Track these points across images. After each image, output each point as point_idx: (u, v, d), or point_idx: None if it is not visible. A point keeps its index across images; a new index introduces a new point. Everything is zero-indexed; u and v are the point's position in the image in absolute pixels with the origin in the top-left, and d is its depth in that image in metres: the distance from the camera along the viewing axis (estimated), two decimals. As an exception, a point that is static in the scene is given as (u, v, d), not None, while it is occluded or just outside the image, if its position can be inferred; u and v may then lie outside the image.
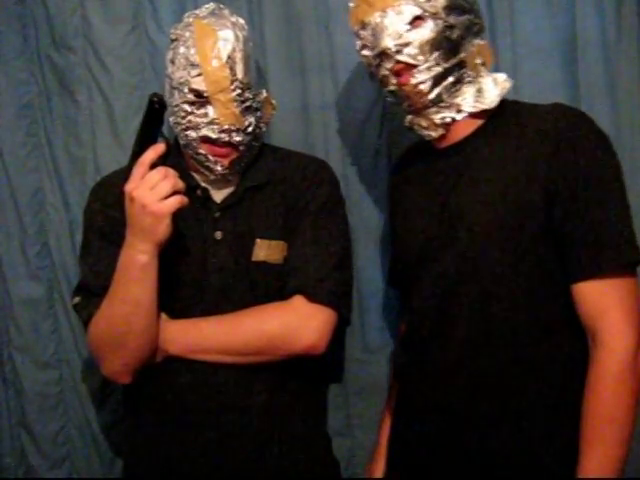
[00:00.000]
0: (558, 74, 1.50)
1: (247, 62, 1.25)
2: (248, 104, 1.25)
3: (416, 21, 1.16)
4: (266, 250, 1.31)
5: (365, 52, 1.22)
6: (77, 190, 1.67)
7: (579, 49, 1.48)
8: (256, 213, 1.32)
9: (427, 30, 1.15)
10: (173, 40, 1.28)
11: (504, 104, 1.22)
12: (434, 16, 1.15)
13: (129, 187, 1.15)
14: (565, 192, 1.12)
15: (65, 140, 1.67)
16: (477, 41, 1.21)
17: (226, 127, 1.23)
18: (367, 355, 1.61)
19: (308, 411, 1.37)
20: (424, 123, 1.22)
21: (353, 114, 1.58)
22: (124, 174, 1.17)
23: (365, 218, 1.58)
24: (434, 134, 1.23)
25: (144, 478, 1.34)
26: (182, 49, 1.24)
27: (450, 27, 1.16)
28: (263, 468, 1.29)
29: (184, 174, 1.26)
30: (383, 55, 1.18)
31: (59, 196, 1.69)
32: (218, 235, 1.30)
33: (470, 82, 1.20)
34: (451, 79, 1.18)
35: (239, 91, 1.23)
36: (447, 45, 1.16)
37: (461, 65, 1.18)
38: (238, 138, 1.25)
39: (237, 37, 1.24)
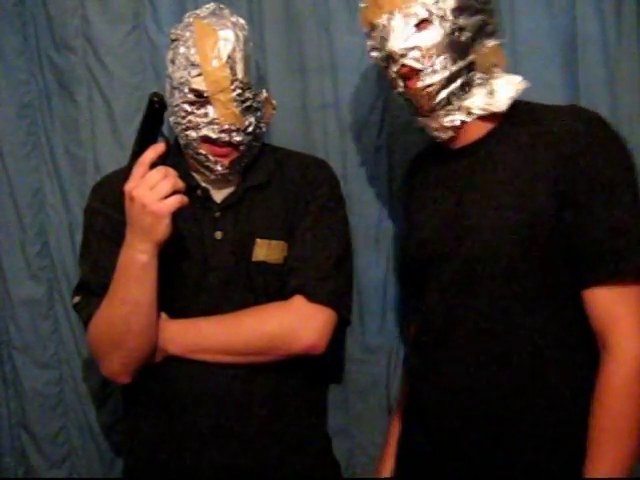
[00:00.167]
0: (558, 74, 1.50)
1: (247, 62, 1.25)
2: (248, 104, 1.25)
3: (423, 24, 1.14)
4: (266, 250, 1.31)
5: (374, 54, 1.21)
6: (77, 190, 1.67)
7: (579, 49, 1.48)
8: (256, 213, 1.32)
9: (434, 33, 1.14)
10: (173, 40, 1.28)
11: (520, 105, 1.20)
12: (442, 19, 1.14)
13: (129, 186, 1.15)
14: (577, 197, 1.10)
15: (65, 140, 1.67)
16: (490, 42, 1.18)
17: (226, 127, 1.23)
18: (367, 355, 1.61)
19: (308, 411, 1.37)
20: (434, 125, 1.21)
21: (353, 114, 1.58)
22: (124, 174, 1.18)
23: (365, 218, 1.58)
24: (444, 136, 1.22)
25: (144, 478, 1.33)
26: (182, 49, 1.24)
27: (459, 29, 1.14)
28: (263, 468, 1.29)
29: (184, 174, 1.26)
30: (390, 58, 1.17)
31: (59, 196, 1.69)
32: (218, 235, 1.30)
33: (481, 84, 1.18)
34: (460, 82, 1.16)
35: (239, 91, 1.23)
36: (455, 48, 1.15)
37: (471, 67, 1.16)
38: (238, 138, 1.25)
39: (237, 37, 1.24)
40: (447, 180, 1.25)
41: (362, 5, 1.23)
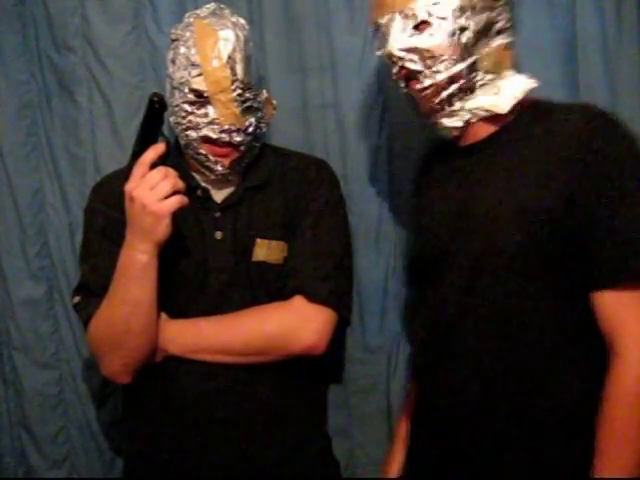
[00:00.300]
0: (558, 74, 1.50)
1: (248, 62, 1.25)
2: (249, 104, 1.25)
3: (422, 25, 1.13)
4: (266, 250, 1.31)
5: (379, 53, 1.21)
6: (77, 190, 1.67)
7: (579, 49, 1.48)
8: (256, 213, 1.32)
9: (433, 35, 1.13)
10: (174, 40, 1.28)
11: (532, 103, 1.18)
12: (442, 20, 1.12)
13: (129, 187, 1.15)
14: (586, 199, 1.07)
15: (65, 140, 1.67)
16: (496, 41, 1.15)
17: (226, 127, 1.23)
18: (367, 355, 1.61)
19: (308, 411, 1.38)
20: (437, 125, 1.20)
21: (353, 114, 1.58)
22: (124, 174, 1.18)
23: (365, 218, 1.58)
24: (449, 135, 1.21)
25: (144, 478, 1.34)
26: (183, 49, 1.24)
27: (461, 30, 1.12)
28: (263, 468, 1.29)
29: (184, 174, 1.26)
30: (390, 59, 1.17)
31: (59, 196, 1.69)
32: (218, 235, 1.30)
33: (484, 85, 1.15)
34: (461, 83, 1.14)
35: (239, 91, 1.23)
36: (456, 49, 1.12)
37: (474, 68, 1.14)
38: (238, 138, 1.25)
39: (238, 37, 1.24)
40: (455, 177, 1.23)
41: (370, 3, 1.22)
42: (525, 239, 1.10)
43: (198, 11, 1.30)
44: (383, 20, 1.17)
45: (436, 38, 1.13)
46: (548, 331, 1.12)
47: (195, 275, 1.29)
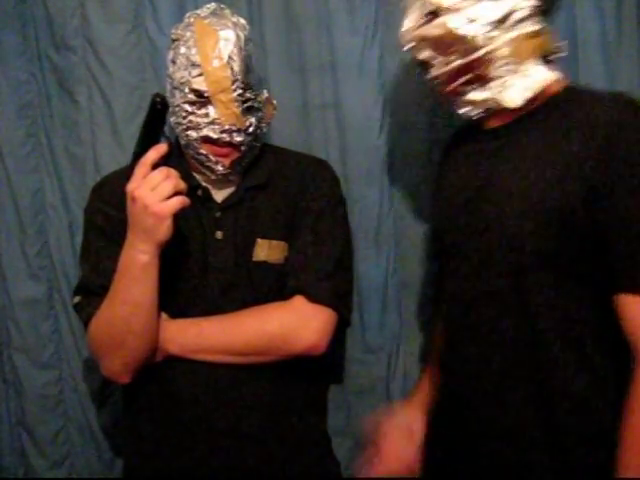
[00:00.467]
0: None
1: (248, 62, 1.25)
2: (249, 104, 1.25)
3: (434, 13, 1.10)
4: (267, 250, 1.31)
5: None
6: (77, 190, 1.66)
7: (579, 49, 1.48)
8: (257, 213, 1.32)
9: (440, 26, 1.09)
10: (174, 40, 1.28)
11: (566, 88, 1.13)
12: (453, 10, 1.08)
13: (131, 187, 1.14)
14: (610, 193, 1.01)
15: (65, 140, 1.67)
16: (517, 30, 1.09)
17: (227, 127, 1.23)
18: (367, 355, 1.61)
19: (308, 411, 1.37)
20: (456, 110, 1.17)
21: (353, 114, 1.58)
22: (126, 174, 1.17)
23: (365, 218, 1.58)
24: (470, 119, 1.17)
25: (144, 478, 1.33)
26: (183, 49, 1.24)
27: (474, 20, 1.07)
28: (263, 468, 1.29)
29: (185, 174, 1.26)
30: (404, 46, 1.15)
31: (59, 196, 1.69)
32: (219, 235, 1.30)
33: (499, 77, 1.10)
34: (473, 74, 1.10)
35: (240, 91, 1.23)
36: (467, 40, 1.08)
37: (486, 59, 1.09)
38: (239, 138, 1.25)
39: (238, 37, 1.24)
40: (476, 161, 1.19)
41: None
42: (541, 235, 1.06)
43: (198, 11, 1.30)
44: (405, 5, 1.15)
45: (442, 30, 1.09)
46: (561, 331, 1.08)
47: (195, 275, 1.29)
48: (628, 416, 1.02)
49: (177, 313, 1.28)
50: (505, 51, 1.09)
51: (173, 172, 1.16)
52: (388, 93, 1.57)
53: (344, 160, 1.58)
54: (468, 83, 1.12)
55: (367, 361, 1.61)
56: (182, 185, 1.16)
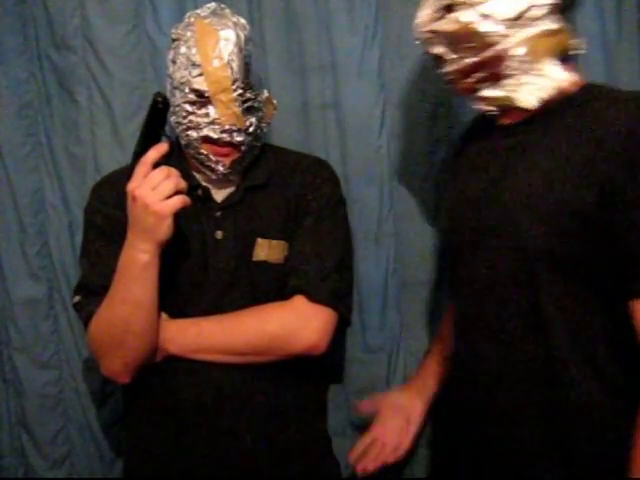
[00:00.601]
0: (558, 74, 1.50)
1: (248, 62, 1.25)
2: (249, 104, 1.25)
3: (449, 8, 1.06)
4: (267, 250, 1.31)
5: None
6: (77, 190, 1.66)
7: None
8: (257, 213, 1.32)
9: (453, 22, 1.05)
10: (174, 40, 1.28)
11: (586, 86, 1.09)
12: (468, 5, 1.04)
13: (131, 186, 1.14)
14: (625, 196, 0.97)
15: (65, 140, 1.67)
16: (533, 28, 1.05)
17: (227, 127, 1.23)
18: (367, 355, 1.61)
19: (308, 411, 1.38)
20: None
21: (353, 114, 1.58)
22: (126, 173, 1.18)
23: (365, 218, 1.58)
24: (485, 111, 1.14)
25: (144, 478, 1.34)
26: (183, 49, 1.24)
27: (487, 16, 1.03)
28: (263, 468, 1.29)
29: (185, 174, 1.25)
30: (418, 38, 1.12)
31: (59, 196, 1.68)
32: (219, 235, 1.30)
33: (513, 75, 1.07)
34: (486, 72, 1.07)
35: (240, 91, 1.23)
36: (480, 37, 1.04)
37: (500, 57, 1.05)
38: (239, 138, 1.25)
39: (238, 37, 1.24)
40: (489, 158, 1.16)
41: None
42: (552, 234, 1.03)
43: (199, 11, 1.30)
44: None
45: (456, 25, 1.05)
46: (571, 332, 1.04)
47: (195, 275, 1.29)
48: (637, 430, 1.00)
49: (177, 313, 1.28)
50: (520, 49, 1.05)
51: (174, 171, 1.16)
52: (388, 93, 1.56)
53: (344, 160, 1.58)
54: (482, 81, 1.09)
55: (367, 361, 1.61)
56: (183, 184, 1.16)
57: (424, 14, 1.10)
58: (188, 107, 1.24)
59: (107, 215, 1.31)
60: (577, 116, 1.05)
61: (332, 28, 1.56)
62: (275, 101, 1.35)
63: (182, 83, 1.24)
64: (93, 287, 1.27)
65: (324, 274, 1.27)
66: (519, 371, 1.09)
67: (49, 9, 1.63)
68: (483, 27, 1.04)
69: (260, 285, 1.30)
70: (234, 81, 1.22)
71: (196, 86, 1.22)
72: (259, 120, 1.28)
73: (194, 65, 1.22)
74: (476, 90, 1.11)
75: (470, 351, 1.17)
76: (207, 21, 1.25)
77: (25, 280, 1.70)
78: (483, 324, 1.13)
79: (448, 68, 1.10)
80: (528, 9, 1.04)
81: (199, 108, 1.24)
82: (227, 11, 1.29)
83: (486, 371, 1.13)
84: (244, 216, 1.31)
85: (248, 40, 1.27)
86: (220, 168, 1.27)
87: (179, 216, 1.17)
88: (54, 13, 1.63)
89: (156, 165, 1.14)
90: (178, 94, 1.25)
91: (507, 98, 1.09)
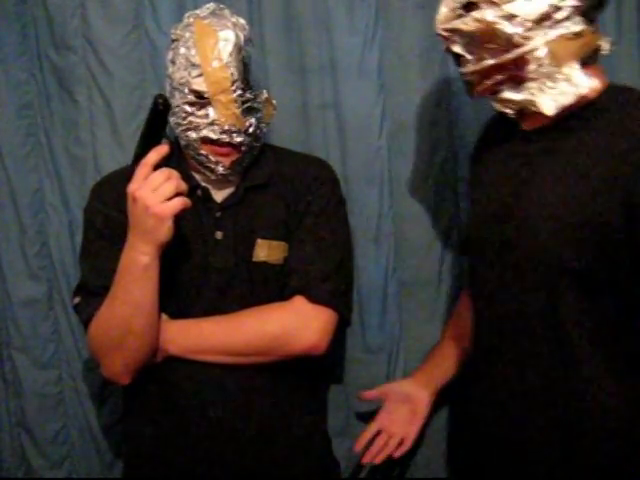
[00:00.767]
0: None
1: (248, 63, 1.25)
2: (249, 105, 1.25)
3: (470, 6, 1.03)
4: (267, 250, 1.31)
5: None
6: (77, 190, 1.66)
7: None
8: (257, 213, 1.32)
9: (478, 20, 1.02)
10: (173, 40, 1.28)
11: (611, 89, 1.05)
12: (491, 4, 1.00)
13: (132, 188, 1.14)
14: None
15: (65, 140, 1.67)
16: (558, 30, 1.01)
17: (227, 128, 1.23)
18: (367, 355, 1.61)
19: (308, 411, 1.38)
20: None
21: (353, 114, 1.58)
22: (126, 174, 1.18)
23: (365, 218, 1.58)
24: (505, 113, 1.10)
25: (144, 478, 1.34)
26: (182, 49, 1.24)
27: (509, 17, 1.00)
28: (263, 468, 1.29)
29: (184, 174, 1.26)
30: (437, 35, 1.09)
31: (59, 196, 1.68)
32: (219, 235, 1.30)
33: (536, 79, 1.03)
34: (507, 74, 1.04)
35: (240, 92, 1.23)
36: (502, 38, 1.01)
37: (523, 59, 1.02)
38: (239, 139, 1.25)
39: (238, 37, 1.24)
40: (510, 164, 1.13)
41: None
42: (574, 252, 1.00)
43: (198, 11, 1.29)
44: None
45: (482, 23, 1.02)
46: (593, 348, 1.02)
47: (195, 275, 1.29)
48: None
49: (177, 313, 1.28)
50: (543, 52, 1.02)
51: (174, 173, 1.16)
52: (388, 93, 1.56)
53: (344, 160, 1.58)
54: (502, 83, 1.06)
55: (367, 361, 1.61)
56: (183, 186, 1.17)
57: (445, 10, 1.07)
58: (188, 108, 1.24)
59: (107, 216, 1.30)
60: (602, 122, 1.02)
61: (332, 28, 1.56)
62: (275, 101, 1.35)
63: (181, 84, 1.24)
64: (93, 288, 1.27)
65: (324, 274, 1.27)
66: (538, 383, 1.07)
67: (49, 9, 1.63)
68: (508, 28, 1.01)
69: (260, 285, 1.30)
70: (233, 82, 1.22)
71: (195, 87, 1.22)
72: (259, 121, 1.28)
73: (193, 66, 1.22)
74: (496, 92, 1.08)
75: (487, 367, 1.16)
76: (206, 22, 1.25)
77: (25, 280, 1.70)
78: (502, 340, 1.12)
79: (466, 69, 1.08)
80: (554, 11, 1.01)
81: (199, 109, 1.23)
82: (226, 11, 1.29)
83: (502, 383, 1.12)
84: (244, 216, 1.31)
85: (247, 41, 1.27)
86: (220, 169, 1.27)
87: (179, 217, 1.17)
88: (54, 13, 1.63)
89: (157, 167, 1.14)
90: (177, 95, 1.25)
91: (527, 102, 1.05)
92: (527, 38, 1.01)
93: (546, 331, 1.05)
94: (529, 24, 1.01)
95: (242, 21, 1.29)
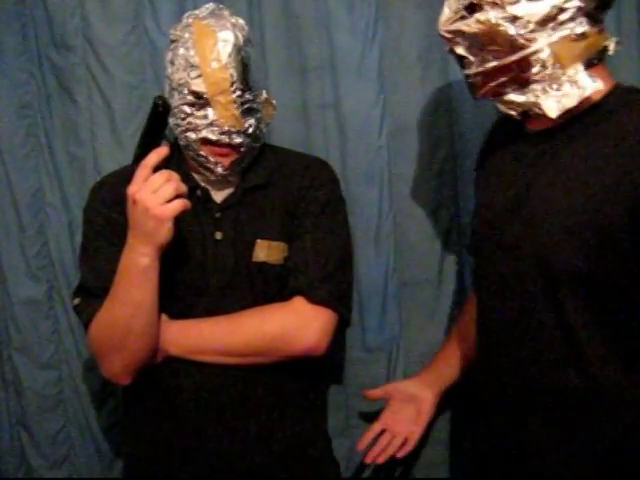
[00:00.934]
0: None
1: (247, 63, 1.25)
2: (248, 105, 1.25)
3: (473, 8, 1.02)
4: (266, 251, 1.30)
5: None
6: (77, 190, 1.66)
7: (579, 49, 1.48)
8: (256, 214, 1.32)
9: (479, 22, 1.01)
10: (172, 41, 1.28)
11: (612, 91, 1.04)
12: (494, 5, 1.00)
13: (132, 189, 1.14)
14: None
15: (65, 140, 1.66)
16: (563, 31, 1.00)
17: (226, 129, 1.23)
18: (367, 355, 1.61)
19: (308, 411, 1.38)
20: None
21: (353, 114, 1.58)
22: (126, 176, 1.17)
23: (365, 218, 1.58)
24: (510, 115, 1.09)
25: (144, 478, 1.34)
26: (181, 50, 1.24)
27: (512, 19, 0.99)
28: (263, 468, 1.29)
29: (184, 175, 1.25)
30: (440, 37, 1.08)
31: (59, 196, 1.68)
32: (218, 235, 1.30)
33: (539, 81, 1.02)
34: (511, 76, 1.03)
35: (239, 92, 1.23)
36: (506, 39, 1.00)
37: (527, 61, 1.01)
38: (238, 140, 1.25)
39: (237, 38, 1.24)
40: (513, 167, 1.12)
41: None
42: (580, 254, 0.99)
43: (197, 11, 1.29)
44: None
45: (485, 25, 1.01)
46: (604, 356, 1.01)
47: (195, 276, 1.29)
48: None
49: (178, 314, 1.28)
50: (547, 54, 1.01)
51: (174, 175, 1.15)
52: (388, 93, 1.56)
53: (344, 160, 1.57)
54: (506, 84, 1.05)
55: (367, 361, 1.61)
56: (183, 188, 1.17)
57: (448, 11, 1.06)
58: (187, 109, 1.24)
59: (106, 216, 1.30)
60: (606, 126, 1.01)
61: (332, 28, 1.56)
62: (274, 101, 1.35)
63: (180, 85, 1.24)
64: (93, 289, 1.27)
65: (324, 275, 1.27)
66: (547, 388, 1.06)
67: (49, 9, 1.63)
68: (511, 29, 1.00)
69: (260, 286, 1.30)
70: (233, 83, 1.22)
71: (195, 88, 1.22)
72: (258, 121, 1.28)
73: (192, 67, 1.22)
74: (500, 94, 1.07)
75: (493, 369, 1.15)
76: (205, 22, 1.25)
77: (25, 280, 1.70)
78: (508, 340, 1.11)
79: (470, 70, 1.07)
80: (557, 12, 1.00)
81: (198, 110, 1.23)
82: (225, 12, 1.28)
83: (509, 385, 1.11)
84: (244, 217, 1.31)
85: (247, 41, 1.27)
86: (219, 169, 1.27)
87: (179, 218, 1.17)
88: (54, 13, 1.63)
89: (156, 168, 1.14)
90: (177, 95, 1.25)
91: (531, 104, 1.04)
92: (531, 40, 1.01)
93: (553, 331, 1.04)
94: (532, 26, 1.00)
95: (241, 21, 1.29)
